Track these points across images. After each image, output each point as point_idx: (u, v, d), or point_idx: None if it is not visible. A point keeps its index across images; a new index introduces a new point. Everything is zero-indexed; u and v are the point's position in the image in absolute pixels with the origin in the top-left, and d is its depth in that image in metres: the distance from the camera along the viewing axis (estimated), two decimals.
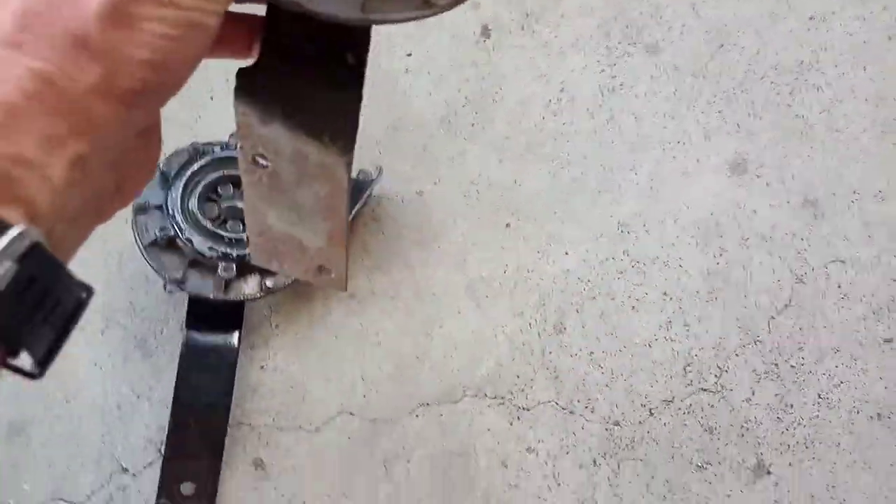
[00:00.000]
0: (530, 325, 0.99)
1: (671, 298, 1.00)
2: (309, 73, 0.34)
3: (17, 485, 0.89)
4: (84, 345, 0.94)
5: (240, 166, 0.39)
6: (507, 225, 1.03)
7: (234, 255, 0.85)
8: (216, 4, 0.28)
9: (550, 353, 0.97)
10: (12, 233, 0.22)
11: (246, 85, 0.34)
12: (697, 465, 0.94)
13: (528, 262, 1.01)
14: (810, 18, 1.12)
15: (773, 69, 1.09)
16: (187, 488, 0.86)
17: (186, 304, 0.92)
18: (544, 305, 0.99)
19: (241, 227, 0.87)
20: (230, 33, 0.34)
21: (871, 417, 0.96)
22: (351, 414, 0.94)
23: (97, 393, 0.93)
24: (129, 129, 0.28)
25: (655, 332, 0.98)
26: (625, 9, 1.12)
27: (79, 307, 0.26)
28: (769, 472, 0.94)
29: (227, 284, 0.86)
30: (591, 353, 0.97)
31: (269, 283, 0.87)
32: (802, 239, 1.02)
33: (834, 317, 1.00)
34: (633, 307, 0.99)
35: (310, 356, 0.96)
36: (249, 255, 0.46)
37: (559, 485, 0.93)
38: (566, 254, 1.02)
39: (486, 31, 1.13)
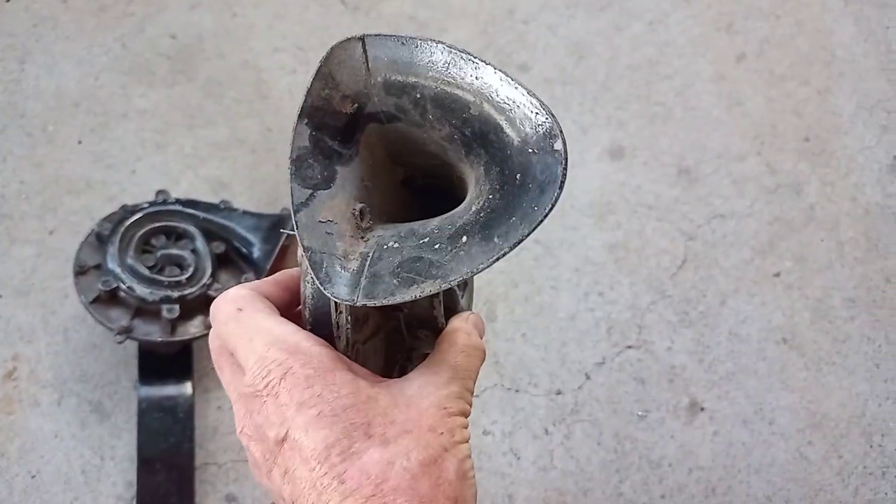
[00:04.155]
0: None
1: (583, 273, 1.10)
2: None
3: None
4: (41, 418, 0.96)
5: None
6: None
7: (175, 296, 0.90)
8: None
9: (487, 340, 1.05)
10: None
11: None
12: (638, 415, 1.02)
13: None
14: (650, 23, 1.29)
15: (628, 68, 1.25)
16: None
17: (137, 361, 0.96)
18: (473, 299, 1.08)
19: (178, 271, 0.93)
20: None
21: (778, 342, 1.08)
22: None
23: (61, 462, 0.94)
24: None
25: (576, 305, 1.08)
26: (494, 38, 1.27)
27: None
28: (702, 409, 1.03)
29: (174, 326, 0.91)
30: (524, 333, 1.06)
31: None
32: (684, 203, 1.16)
33: (726, 263, 1.12)
34: (553, 286, 1.09)
35: None
36: None
37: (518, 458, 0.99)
38: None
39: None
